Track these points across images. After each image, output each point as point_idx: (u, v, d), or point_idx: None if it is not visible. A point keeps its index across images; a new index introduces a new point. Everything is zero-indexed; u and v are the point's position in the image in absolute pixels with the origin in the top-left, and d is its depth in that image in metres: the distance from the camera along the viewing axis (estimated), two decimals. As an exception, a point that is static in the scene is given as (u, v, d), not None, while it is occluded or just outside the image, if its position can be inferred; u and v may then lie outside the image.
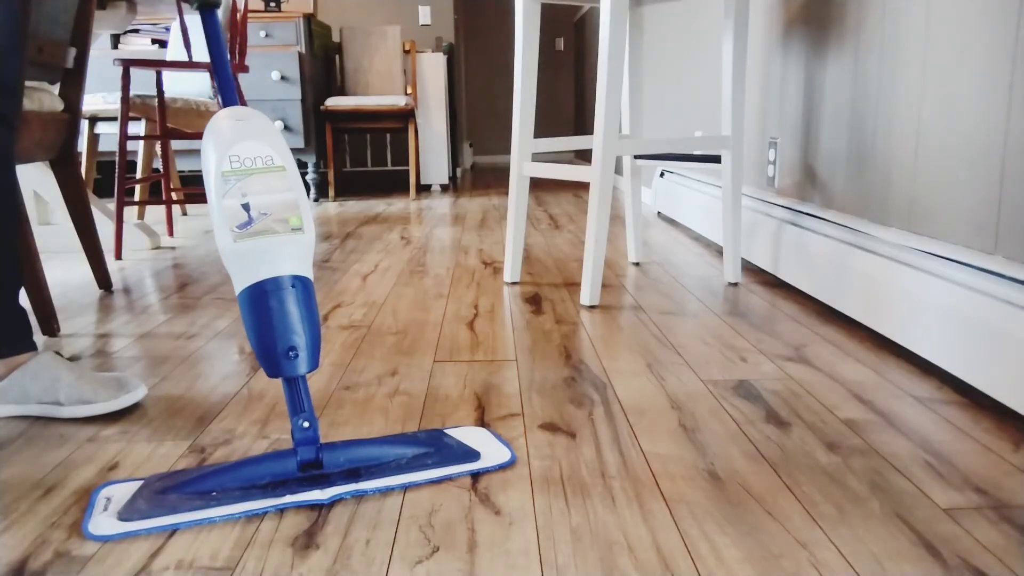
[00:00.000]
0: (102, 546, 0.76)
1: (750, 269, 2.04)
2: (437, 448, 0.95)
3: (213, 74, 0.96)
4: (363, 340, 1.46)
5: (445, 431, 1.01)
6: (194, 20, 3.36)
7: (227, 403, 1.15)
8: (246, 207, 0.87)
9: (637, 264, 2.15)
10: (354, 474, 0.89)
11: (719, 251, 2.35)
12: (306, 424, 0.88)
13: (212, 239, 2.76)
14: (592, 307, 1.68)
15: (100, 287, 1.94)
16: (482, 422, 1.06)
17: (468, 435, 1.01)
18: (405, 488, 0.88)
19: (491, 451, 0.96)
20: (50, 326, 1.53)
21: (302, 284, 0.88)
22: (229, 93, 0.97)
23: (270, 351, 0.86)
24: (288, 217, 0.88)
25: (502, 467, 0.92)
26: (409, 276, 2.06)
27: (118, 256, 2.40)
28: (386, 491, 0.87)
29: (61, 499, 0.86)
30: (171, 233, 2.86)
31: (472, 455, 0.94)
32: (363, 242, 2.67)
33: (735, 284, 1.88)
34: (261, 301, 0.85)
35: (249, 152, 0.89)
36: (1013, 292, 1.05)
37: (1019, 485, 0.85)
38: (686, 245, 2.46)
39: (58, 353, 1.16)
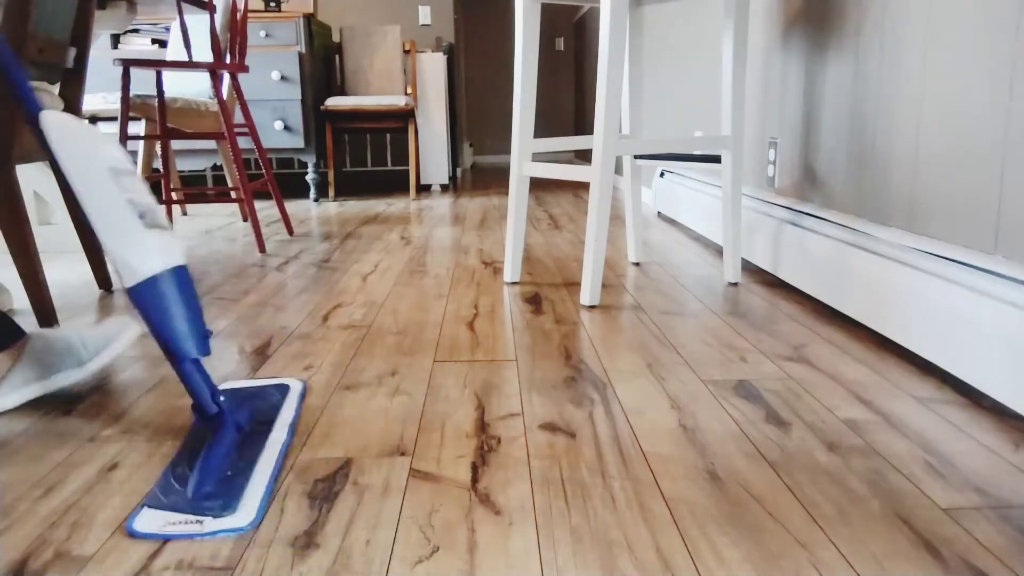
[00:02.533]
0: (102, 546, 0.76)
1: (750, 269, 2.05)
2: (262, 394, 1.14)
3: (15, 89, 0.96)
4: (363, 340, 1.46)
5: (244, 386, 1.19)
6: (195, 20, 3.36)
7: (227, 403, 1.15)
8: (135, 202, 0.91)
9: (637, 264, 2.15)
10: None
11: (719, 251, 2.35)
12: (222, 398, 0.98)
13: (213, 239, 2.76)
14: (592, 307, 1.68)
15: (100, 287, 1.94)
16: (482, 422, 1.06)
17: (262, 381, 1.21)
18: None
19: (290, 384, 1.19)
20: (50, 326, 1.53)
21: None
22: (33, 101, 0.95)
23: (195, 332, 0.93)
24: (160, 216, 0.94)
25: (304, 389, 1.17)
26: (409, 276, 2.06)
27: (118, 256, 2.39)
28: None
29: (61, 499, 0.86)
30: (171, 233, 2.85)
31: (284, 387, 1.16)
32: (363, 242, 2.67)
33: (735, 284, 1.88)
34: (181, 287, 0.92)
35: (118, 155, 0.92)
36: (1013, 292, 1.05)
37: (1019, 485, 0.85)
38: (686, 245, 2.46)
39: None
